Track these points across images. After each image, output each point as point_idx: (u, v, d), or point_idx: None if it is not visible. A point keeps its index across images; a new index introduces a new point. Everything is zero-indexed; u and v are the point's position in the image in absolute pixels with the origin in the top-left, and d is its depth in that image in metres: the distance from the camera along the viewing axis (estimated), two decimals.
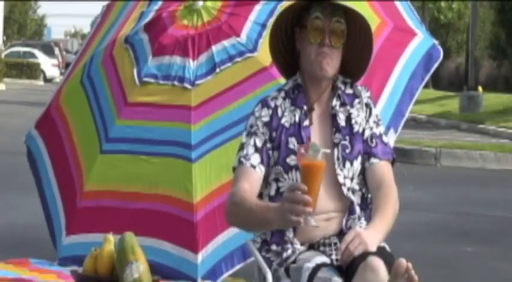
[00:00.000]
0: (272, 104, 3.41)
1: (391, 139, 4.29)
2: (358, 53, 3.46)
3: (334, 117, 3.43)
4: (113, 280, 4.02)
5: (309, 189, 2.99)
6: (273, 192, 3.39)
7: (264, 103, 3.42)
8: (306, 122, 3.40)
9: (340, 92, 3.46)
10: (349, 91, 3.48)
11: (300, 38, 3.41)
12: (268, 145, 3.35)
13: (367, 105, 3.48)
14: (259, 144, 3.35)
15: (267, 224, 3.20)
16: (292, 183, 3.16)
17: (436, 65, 4.65)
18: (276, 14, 4.66)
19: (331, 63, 3.35)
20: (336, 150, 3.38)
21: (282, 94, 3.44)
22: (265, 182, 3.38)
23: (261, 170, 3.32)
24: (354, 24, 3.40)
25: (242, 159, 3.33)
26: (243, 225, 3.35)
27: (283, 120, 3.39)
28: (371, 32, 3.41)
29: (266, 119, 3.39)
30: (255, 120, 3.39)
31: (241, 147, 3.37)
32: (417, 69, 4.58)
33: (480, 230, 6.95)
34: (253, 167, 3.31)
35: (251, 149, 3.34)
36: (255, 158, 3.32)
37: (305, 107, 3.41)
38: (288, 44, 3.47)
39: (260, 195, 3.40)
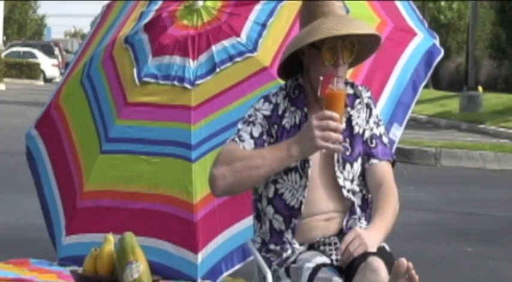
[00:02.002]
0: (273, 100, 3.39)
1: (397, 134, 4.30)
2: (359, 54, 3.45)
3: None
4: (112, 280, 4.02)
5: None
6: (271, 194, 3.38)
7: (265, 98, 3.40)
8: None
9: None
10: (350, 91, 3.47)
11: (309, 54, 3.36)
12: (265, 138, 3.32)
13: (367, 105, 3.48)
14: (255, 134, 3.29)
15: (282, 161, 3.17)
16: (319, 112, 3.14)
17: (437, 60, 4.64)
18: (275, 15, 4.67)
19: (341, 81, 3.30)
20: (336, 153, 3.37)
21: (283, 93, 3.43)
22: (265, 185, 3.38)
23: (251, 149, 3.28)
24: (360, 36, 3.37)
25: (236, 138, 3.26)
26: (243, 181, 3.23)
27: (284, 121, 3.37)
28: (380, 40, 3.39)
29: (267, 112, 3.35)
30: (254, 111, 3.35)
31: (237, 132, 3.32)
32: (418, 66, 4.58)
33: (480, 230, 6.95)
34: (244, 144, 3.25)
35: (246, 135, 3.28)
36: (249, 144, 3.26)
37: (305, 109, 3.40)
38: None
39: (260, 197, 3.40)
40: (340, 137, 3.07)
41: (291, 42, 3.42)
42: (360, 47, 3.40)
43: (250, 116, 3.34)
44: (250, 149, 3.25)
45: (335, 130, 3.06)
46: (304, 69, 3.44)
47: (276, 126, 3.34)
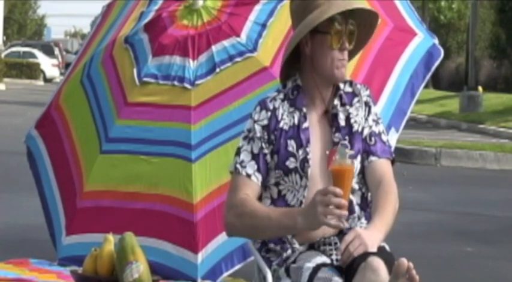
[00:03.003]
0: (271, 106, 3.41)
1: (392, 138, 4.30)
2: (356, 46, 3.47)
3: (334, 116, 3.43)
4: (112, 280, 4.02)
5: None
6: (275, 195, 3.39)
7: (262, 105, 3.42)
8: (305, 124, 3.40)
9: (340, 91, 3.46)
10: (349, 89, 3.49)
11: (313, 41, 3.39)
12: (266, 150, 3.35)
13: (366, 103, 3.48)
14: (255, 150, 3.34)
15: (287, 229, 3.22)
16: (325, 187, 3.18)
17: (436, 63, 4.65)
18: (275, 15, 4.68)
19: (346, 66, 3.37)
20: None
21: (281, 95, 3.44)
22: (264, 186, 3.39)
23: (257, 179, 3.32)
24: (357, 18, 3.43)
25: (238, 166, 3.33)
26: (250, 234, 3.35)
27: (281, 123, 3.39)
28: (374, 27, 3.44)
29: (264, 122, 3.38)
30: (253, 124, 3.39)
31: (238, 151, 3.38)
32: (418, 68, 4.59)
33: (480, 230, 6.96)
34: (249, 176, 3.31)
35: (247, 156, 3.33)
36: (251, 166, 3.32)
37: (304, 109, 3.41)
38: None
39: (259, 198, 3.40)
40: (343, 212, 3.06)
41: (298, 29, 3.41)
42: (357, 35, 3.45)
43: (249, 131, 3.38)
44: (254, 173, 3.32)
45: (338, 206, 3.06)
46: (303, 70, 3.44)
47: (274, 132, 3.37)
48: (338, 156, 3.11)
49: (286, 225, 3.19)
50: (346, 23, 3.36)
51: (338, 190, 3.07)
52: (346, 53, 3.37)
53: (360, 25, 3.44)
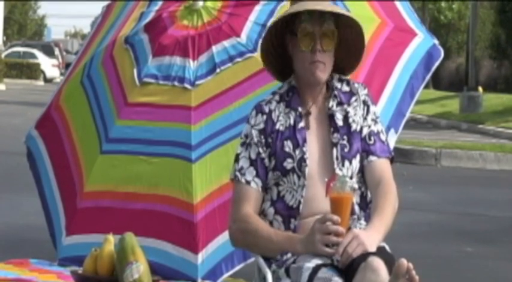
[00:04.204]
0: (266, 109, 3.44)
1: (391, 139, 4.31)
2: (350, 49, 3.47)
3: (331, 117, 3.44)
4: (112, 280, 4.03)
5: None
6: (275, 197, 3.42)
7: (258, 109, 3.44)
8: (301, 124, 3.41)
9: (336, 91, 3.47)
10: (346, 89, 3.49)
11: (291, 44, 3.42)
12: (263, 155, 3.39)
13: (364, 102, 3.49)
14: (253, 156, 3.38)
15: (287, 251, 3.26)
16: (323, 215, 3.22)
17: (436, 64, 4.66)
18: (275, 15, 4.69)
19: (323, 69, 3.38)
20: (334, 150, 3.40)
21: (277, 97, 3.47)
22: (265, 188, 3.42)
23: (256, 184, 3.37)
24: (342, 21, 3.41)
25: (237, 173, 3.38)
26: (251, 249, 3.42)
27: (278, 125, 3.41)
28: (361, 28, 3.42)
29: (261, 126, 3.41)
30: (250, 129, 3.42)
31: (237, 158, 3.42)
32: (418, 68, 4.59)
33: (480, 230, 6.96)
34: (249, 182, 3.36)
35: (246, 163, 3.38)
36: (250, 172, 3.36)
37: (300, 109, 3.43)
38: (279, 47, 3.49)
39: (262, 200, 3.44)
40: (340, 240, 3.12)
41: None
42: (348, 48, 3.43)
43: (246, 137, 3.43)
44: (253, 179, 3.36)
45: (336, 234, 3.12)
46: (295, 71, 3.47)
47: (271, 134, 3.40)
48: (338, 183, 3.16)
49: (285, 249, 3.26)
50: (320, 24, 3.35)
51: (336, 218, 3.14)
52: (321, 55, 3.35)
53: (347, 27, 3.43)
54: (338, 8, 3.46)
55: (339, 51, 3.45)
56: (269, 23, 4.25)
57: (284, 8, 4.61)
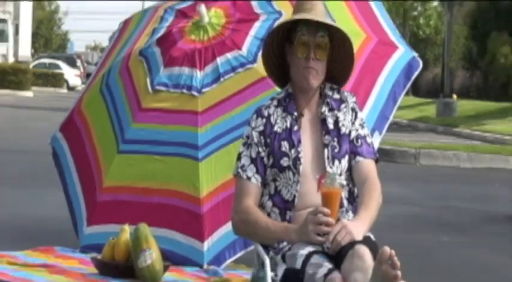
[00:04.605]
0: (265, 113, 3.44)
1: (376, 141, 4.30)
2: (341, 62, 3.48)
3: (323, 121, 3.45)
4: (128, 266, 4.03)
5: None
6: (272, 191, 3.42)
7: (258, 113, 3.45)
8: (296, 127, 3.42)
9: (328, 98, 3.47)
10: (336, 96, 3.50)
11: (289, 52, 3.44)
12: (263, 154, 3.40)
13: (353, 109, 3.50)
14: (253, 154, 3.39)
15: (282, 240, 3.26)
16: (315, 207, 3.22)
17: (416, 74, 4.65)
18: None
19: (316, 76, 3.38)
20: (326, 150, 3.40)
21: (275, 102, 3.47)
22: (264, 184, 3.42)
23: (256, 180, 3.37)
24: (336, 37, 3.42)
25: (240, 170, 3.39)
26: (252, 237, 3.41)
27: (275, 127, 3.42)
28: (351, 43, 3.42)
29: (260, 128, 3.42)
30: (251, 131, 3.43)
31: (239, 156, 3.43)
32: (399, 78, 4.59)
33: (455, 222, 6.96)
34: (249, 178, 3.37)
35: (247, 161, 3.39)
36: (251, 169, 3.38)
37: (295, 113, 3.43)
38: (280, 57, 3.49)
39: (261, 194, 3.44)
40: (330, 229, 3.13)
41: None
42: (339, 60, 3.44)
43: (248, 137, 3.43)
44: (254, 175, 3.37)
45: (327, 224, 3.13)
46: (291, 79, 3.47)
47: (270, 136, 3.40)
48: (328, 180, 3.17)
49: (282, 238, 3.26)
50: (315, 36, 3.37)
51: (326, 210, 3.15)
52: (314, 62, 3.37)
53: (339, 41, 3.43)
54: (332, 22, 3.47)
55: (332, 63, 3.45)
56: (271, 29, 4.26)
57: None
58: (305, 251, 3.16)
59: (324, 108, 3.46)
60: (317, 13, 3.41)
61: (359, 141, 3.44)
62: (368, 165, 3.43)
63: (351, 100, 3.50)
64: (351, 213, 3.40)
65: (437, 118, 23.66)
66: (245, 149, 3.43)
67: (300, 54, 3.37)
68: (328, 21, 3.43)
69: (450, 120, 22.45)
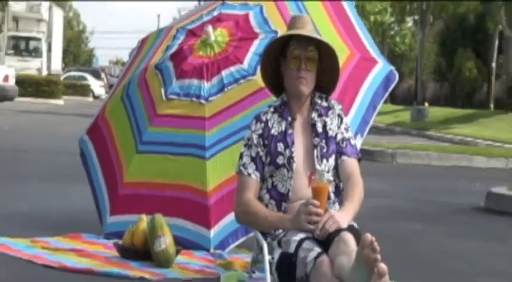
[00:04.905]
0: (264, 119, 3.44)
1: (358, 142, 4.30)
2: (329, 74, 3.48)
3: (313, 125, 3.45)
4: (145, 250, 4.03)
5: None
6: (269, 186, 3.42)
7: (257, 118, 3.45)
8: (290, 130, 3.43)
9: (317, 106, 3.47)
10: (325, 104, 3.50)
11: (283, 65, 3.44)
12: (261, 153, 3.40)
13: (339, 115, 3.50)
14: (253, 154, 3.40)
15: (278, 228, 3.26)
16: (306, 200, 3.22)
17: (393, 85, 4.65)
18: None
19: (306, 84, 3.39)
20: (315, 151, 3.40)
21: (272, 109, 3.47)
22: (262, 179, 3.41)
23: (256, 176, 3.37)
24: (324, 51, 3.42)
25: (241, 168, 3.40)
26: (252, 226, 3.42)
27: (272, 131, 3.42)
28: (337, 57, 3.43)
29: (259, 131, 3.42)
30: (251, 134, 3.43)
31: (241, 156, 3.43)
32: (378, 88, 4.59)
33: (427, 212, 6.96)
34: (250, 174, 3.37)
35: (248, 159, 3.40)
36: (251, 167, 3.38)
37: (289, 119, 3.44)
38: (275, 71, 3.49)
39: (260, 189, 3.44)
40: (319, 219, 3.13)
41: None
42: (325, 67, 3.44)
43: (248, 139, 3.43)
44: (253, 172, 3.38)
45: (316, 214, 3.13)
46: (286, 89, 3.47)
47: (268, 138, 3.40)
48: (317, 176, 3.18)
49: (278, 226, 3.28)
50: (306, 50, 3.37)
51: (316, 202, 3.15)
52: (305, 73, 3.37)
53: (327, 56, 3.43)
54: (320, 37, 3.46)
55: (321, 74, 3.45)
56: (266, 45, 4.28)
57: None
58: (298, 237, 3.16)
59: (314, 114, 3.46)
60: (307, 30, 3.41)
61: (344, 142, 3.44)
62: (352, 164, 3.43)
63: (337, 107, 3.50)
64: (337, 205, 3.40)
65: (411, 123, 23.67)
66: (246, 149, 3.43)
67: (293, 66, 3.37)
68: (317, 36, 3.43)
69: (422, 124, 22.46)
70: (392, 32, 42.55)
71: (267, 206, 3.40)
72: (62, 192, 6.65)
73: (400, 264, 3.88)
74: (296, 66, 3.36)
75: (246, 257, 4.16)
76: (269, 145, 3.40)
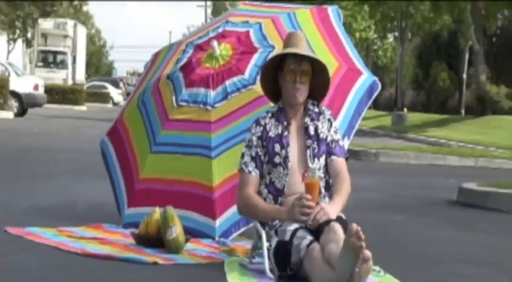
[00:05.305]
0: (262, 123, 3.45)
1: (346, 143, 4.31)
2: (320, 85, 3.48)
3: (306, 129, 3.45)
4: (159, 238, 4.02)
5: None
6: (267, 182, 3.42)
7: (257, 122, 3.46)
8: (286, 133, 3.43)
9: (310, 111, 3.48)
10: (316, 110, 3.50)
11: (280, 77, 3.45)
12: (260, 153, 3.41)
13: (329, 120, 3.50)
14: (253, 154, 3.41)
15: (276, 219, 3.26)
16: (300, 194, 3.23)
17: (376, 93, 4.65)
18: (268, 59, 4.68)
19: (301, 94, 3.40)
20: (308, 151, 3.40)
21: (270, 114, 3.48)
22: (261, 176, 3.42)
23: (256, 173, 3.38)
24: (316, 65, 3.43)
25: (243, 166, 3.41)
26: (252, 217, 3.43)
27: (270, 133, 3.43)
28: (328, 71, 3.44)
29: (259, 134, 3.43)
30: (251, 136, 3.44)
31: (242, 155, 3.44)
32: (363, 96, 4.58)
33: (406, 205, 6.96)
34: (250, 172, 3.38)
35: (249, 158, 3.42)
36: (251, 165, 3.40)
37: (285, 123, 3.44)
38: (273, 81, 3.50)
39: (259, 185, 3.44)
40: (311, 211, 3.13)
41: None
42: (317, 79, 3.45)
43: (249, 141, 3.44)
44: (253, 170, 3.39)
45: (308, 207, 3.14)
46: (282, 97, 3.47)
47: (266, 140, 3.41)
48: (310, 173, 3.19)
49: (275, 217, 3.29)
50: (300, 65, 3.39)
51: (309, 196, 3.16)
52: (300, 85, 3.40)
53: (318, 69, 3.44)
54: (313, 54, 3.48)
55: (313, 84, 3.46)
56: (267, 59, 4.26)
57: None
58: (292, 227, 3.16)
59: (307, 119, 3.46)
60: (302, 47, 3.42)
61: (333, 144, 3.45)
62: (340, 162, 3.43)
63: (327, 113, 3.51)
64: (327, 199, 3.40)
65: (392, 126, 23.67)
66: (247, 149, 3.44)
67: (289, 79, 3.38)
68: (310, 54, 3.44)
69: (402, 128, 22.46)
70: (375, 47, 42.62)
71: (265, 199, 3.40)
72: (85, 187, 6.65)
73: (382, 251, 3.88)
74: (292, 79, 3.38)
75: (247, 244, 4.15)
76: (267, 146, 3.41)
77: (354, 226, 2.91)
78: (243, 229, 4.45)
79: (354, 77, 4.62)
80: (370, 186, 8.21)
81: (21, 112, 19.71)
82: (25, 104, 19.84)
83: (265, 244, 3.25)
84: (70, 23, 35.84)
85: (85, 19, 53.13)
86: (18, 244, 3.97)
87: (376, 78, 4.71)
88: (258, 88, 4.55)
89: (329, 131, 3.45)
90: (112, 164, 4.92)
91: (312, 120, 3.44)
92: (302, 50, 3.38)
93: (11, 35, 38.76)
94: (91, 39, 60.22)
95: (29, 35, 39.46)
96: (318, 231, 3.13)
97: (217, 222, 4.43)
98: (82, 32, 38.75)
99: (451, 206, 6.97)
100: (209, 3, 55.08)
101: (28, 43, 40.57)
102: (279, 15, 4.84)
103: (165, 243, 3.96)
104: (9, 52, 39.06)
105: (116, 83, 44.92)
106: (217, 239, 4.39)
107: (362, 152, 12.23)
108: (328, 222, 3.11)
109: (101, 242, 4.13)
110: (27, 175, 7.34)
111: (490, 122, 22.00)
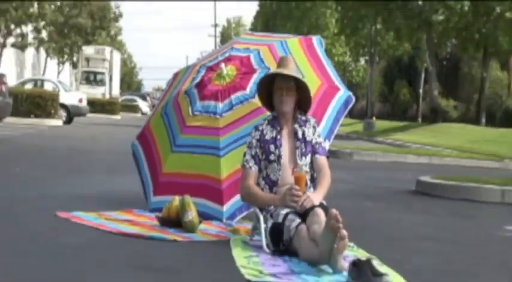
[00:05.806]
0: (260, 128, 3.46)
1: (327, 145, 4.30)
2: (304, 99, 3.49)
3: (295, 133, 3.45)
4: (178, 220, 4.02)
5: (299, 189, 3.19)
6: (264, 175, 3.43)
7: (256, 128, 3.47)
8: (279, 136, 3.44)
9: (298, 119, 3.48)
10: (303, 118, 3.51)
11: (273, 92, 3.45)
12: (258, 152, 3.41)
13: (313, 126, 3.51)
14: (253, 153, 3.42)
15: (271, 205, 3.27)
16: (290, 185, 3.24)
17: (351, 105, 4.65)
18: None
19: (287, 105, 3.41)
20: (297, 151, 3.40)
21: (266, 122, 3.50)
22: (259, 171, 3.42)
23: (255, 168, 3.39)
24: (300, 83, 3.45)
25: (245, 163, 3.41)
26: (252, 203, 3.43)
27: (266, 136, 3.44)
28: (309, 88, 3.46)
29: (257, 137, 3.44)
30: (251, 139, 3.45)
31: (244, 154, 3.45)
32: (340, 108, 4.58)
33: (375, 194, 6.95)
34: (250, 167, 3.40)
35: (249, 157, 3.43)
36: (252, 162, 3.41)
37: (278, 128, 3.45)
38: (268, 95, 3.51)
39: (258, 177, 3.43)
40: (299, 198, 3.13)
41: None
42: (303, 93, 3.46)
43: (250, 143, 3.46)
44: (253, 165, 3.41)
45: (297, 196, 3.16)
46: (275, 108, 3.48)
47: (263, 141, 3.42)
48: (298, 169, 3.20)
49: (270, 204, 3.31)
50: (287, 82, 3.41)
51: (297, 187, 3.18)
52: (286, 98, 3.44)
53: (303, 87, 3.46)
54: (298, 74, 3.49)
55: (300, 99, 3.47)
56: (261, 78, 4.28)
57: None
58: (284, 211, 3.17)
59: (296, 125, 3.47)
60: (291, 68, 3.43)
61: (317, 145, 3.46)
62: (322, 160, 3.44)
63: (312, 120, 3.52)
64: (312, 189, 3.41)
65: (364, 131, 23.67)
66: (248, 149, 3.44)
67: (278, 93, 3.39)
68: (295, 74, 3.45)
69: (371, 133, 22.45)
70: (350, 68, 42.71)
71: (262, 189, 3.41)
72: (119, 180, 6.64)
73: (356, 231, 3.87)
74: (280, 93, 3.41)
75: (248, 225, 4.15)
76: (264, 147, 3.42)
77: (333, 211, 2.92)
78: (245, 213, 4.44)
79: (333, 92, 4.62)
80: (346, 179, 8.21)
81: (68, 120, 19.82)
82: (72, 114, 20.00)
83: (263, 225, 3.26)
84: (107, 49, 35.85)
85: (119, 46, 53.10)
86: (66, 226, 3.96)
87: (351, 93, 4.71)
88: (256, 101, 4.55)
89: (314, 135, 3.47)
90: (141, 161, 4.91)
91: (300, 126, 3.46)
92: (290, 71, 3.40)
93: (60, 59, 38.86)
94: (124, 62, 60.21)
95: (74, 59, 39.51)
96: (304, 214, 3.14)
97: (225, 207, 4.43)
98: (117, 56, 38.77)
99: (411, 195, 6.99)
100: (218, 33, 55.16)
101: (74, 65, 40.61)
102: (273, 43, 4.85)
103: (183, 225, 3.96)
104: (59, 72, 39.16)
105: (143, 97, 44.92)
106: (224, 221, 4.38)
107: (339, 151, 12.23)
108: (312, 207, 3.12)
109: (132, 223, 4.12)
110: (73, 170, 7.33)
111: (441, 128, 22.04)
